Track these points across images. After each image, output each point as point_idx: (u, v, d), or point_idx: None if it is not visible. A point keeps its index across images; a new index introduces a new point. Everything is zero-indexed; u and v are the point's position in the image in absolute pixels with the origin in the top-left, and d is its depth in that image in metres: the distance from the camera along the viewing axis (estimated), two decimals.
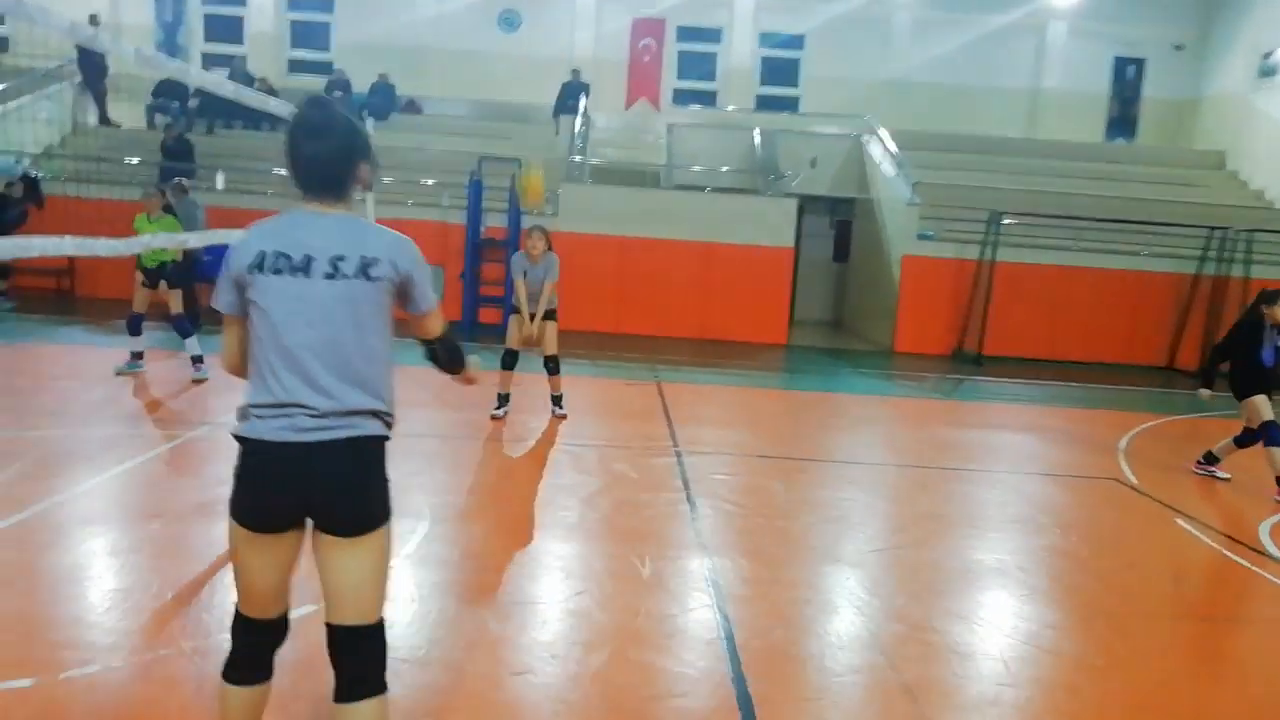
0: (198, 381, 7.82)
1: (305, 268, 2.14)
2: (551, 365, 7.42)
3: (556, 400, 7.53)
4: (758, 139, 15.65)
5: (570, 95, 16.35)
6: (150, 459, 5.67)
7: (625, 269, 13.32)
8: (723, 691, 3.23)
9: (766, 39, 19.29)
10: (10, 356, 9.00)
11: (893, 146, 14.82)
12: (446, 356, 2.53)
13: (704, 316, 13.50)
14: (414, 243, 2.32)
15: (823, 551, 4.83)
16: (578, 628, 3.69)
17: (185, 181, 9.94)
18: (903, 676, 3.46)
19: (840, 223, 17.34)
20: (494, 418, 7.23)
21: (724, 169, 15.16)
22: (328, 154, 2.19)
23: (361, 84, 17.18)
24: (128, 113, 16.36)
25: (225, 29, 18.93)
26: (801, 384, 10.77)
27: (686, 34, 19.27)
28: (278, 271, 2.14)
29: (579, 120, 15.22)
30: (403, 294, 2.28)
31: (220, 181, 13.32)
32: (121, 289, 12.52)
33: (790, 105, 19.10)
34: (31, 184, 12.63)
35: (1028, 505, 6.01)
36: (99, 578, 3.88)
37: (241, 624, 2.28)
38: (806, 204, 16.72)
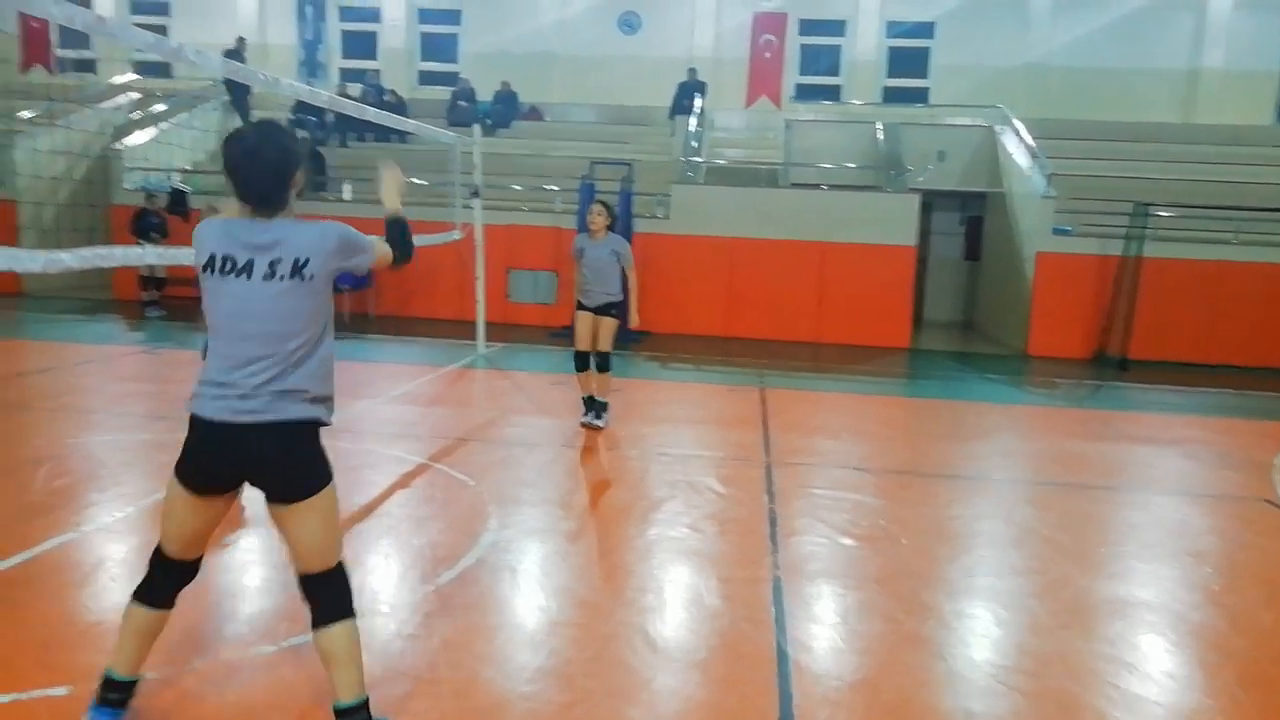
0: None
1: (248, 270, 2.45)
2: (601, 362, 6.94)
3: (599, 408, 7.02)
4: (880, 133, 15.02)
5: (686, 95, 16.17)
6: None
7: (737, 271, 13.03)
8: None
9: (893, 28, 18.59)
10: (152, 362, 9.61)
11: (1028, 136, 13.90)
12: (403, 249, 2.83)
13: (820, 319, 13.03)
14: (336, 225, 2.56)
15: (913, 577, 4.45)
16: (621, 650, 3.50)
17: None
18: None
19: (972, 219, 16.44)
20: (584, 425, 7.03)
21: (845, 166, 14.60)
22: (258, 174, 2.47)
23: (486, 93, 17.58)
24: None
25: (361, 45, 19.78)
26: (917, 390, 10.20)
27: (809, 27, 18.81)
28: (224, 273, 2.46)
29: (693, 120, 15.01)
30: (345, 271, 2.60)
31: (347, 192, 13.87)
32: None
33: (919, 97, 18.30)
34: (178, 197, 13.53)
35: (1158, 529, 5.40)
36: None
37: (159, 559, 2.61)
38: (935, 200, 15.97)
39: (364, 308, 13.35)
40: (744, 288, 13.07)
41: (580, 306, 6.96)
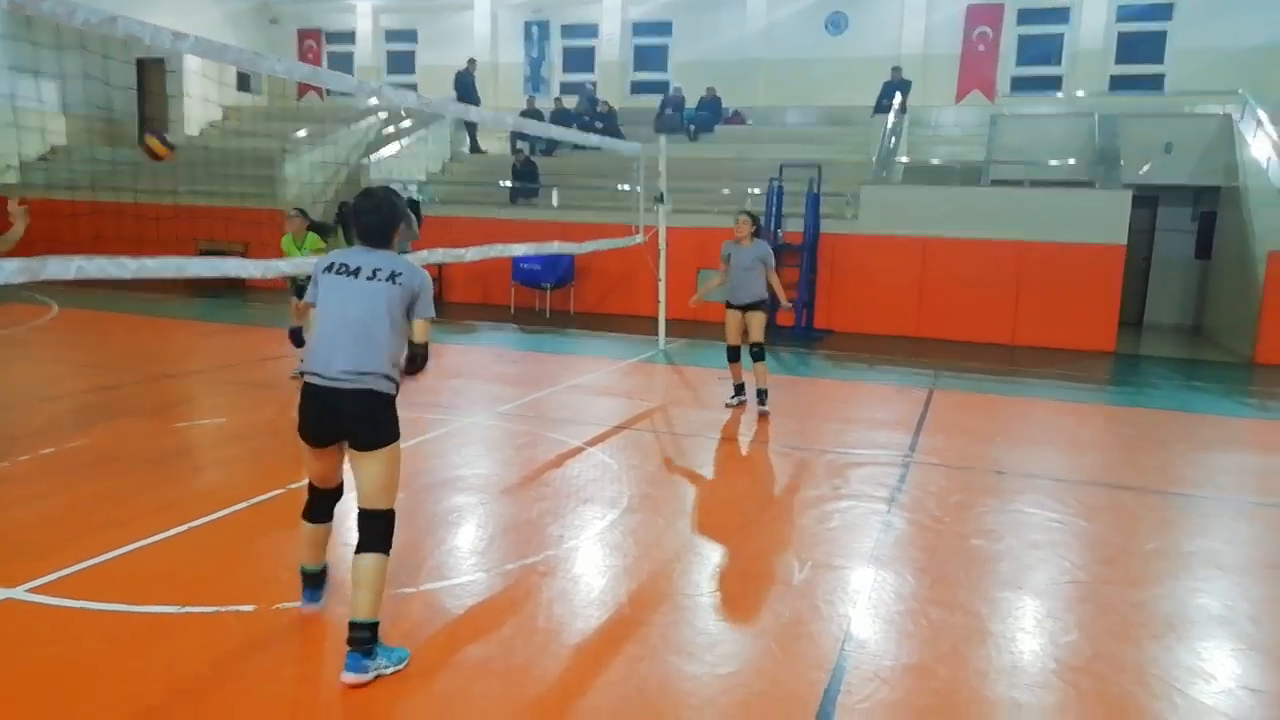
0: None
1: (355, 273, 3.32)
2: (756, 351, 7.58)
3: (761, 396, 7.65)
4: (1097, 126, 14.16)
5: (889, 94, 15.99)
6: (417, 443, 6.74)
7: (928, 271, 12.84)
8: (806, 704, 3.28)
9: (1124, 11, 17.31)
10: None
11: (1269, 124, 12.63)
12: (419, 361, 3.48)
13: (1016, 321, 12.58)
14: (426, 273, 3.46)
15: (1007, 576, 4.51)
16: (693, 624, 3.89)
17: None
18: None
19: (1205, 215, 15.08)
20: (728, 405, 7.90)
21: (1052, 162, 13.91)
22: (372, 223, 3.43)
23: (694, 99, 18.20)
24: (496, 142, 18.89)
25: (580, 60, 21.10)
26: (1099, 397, 9.63)
27: (1028, 16, 17.92)
28: (338, 273, 3.34)
29: (891, 118, 14.86)
30: (411, 303, 3.34)
31: (554, 198, 14.97)
32: (469, 294, 14.71)
33: (1151, 84, 16.96)
34: (414, 206, 15.20)
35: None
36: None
37: (310, 489, 3.57)
38: (1163, 195, 14.85)
39: (565, 304, 14.38)
40: (935, 288, 12.86)
41: (730, 306, 7.66)
